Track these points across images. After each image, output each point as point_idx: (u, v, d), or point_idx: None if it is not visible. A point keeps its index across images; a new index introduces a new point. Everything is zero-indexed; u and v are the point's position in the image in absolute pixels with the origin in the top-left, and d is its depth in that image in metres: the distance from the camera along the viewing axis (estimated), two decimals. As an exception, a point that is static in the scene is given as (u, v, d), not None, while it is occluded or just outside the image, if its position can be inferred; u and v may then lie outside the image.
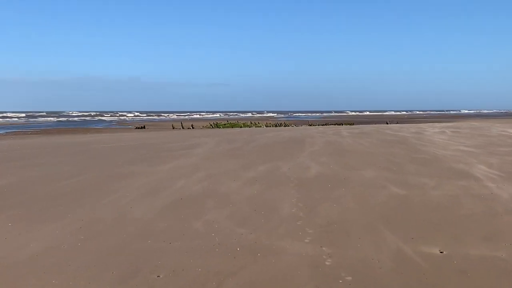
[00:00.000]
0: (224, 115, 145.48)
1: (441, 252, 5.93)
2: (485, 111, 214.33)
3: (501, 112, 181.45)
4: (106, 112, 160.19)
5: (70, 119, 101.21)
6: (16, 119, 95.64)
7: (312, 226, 7.22)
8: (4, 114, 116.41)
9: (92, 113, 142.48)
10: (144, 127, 52.61)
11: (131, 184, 11.09)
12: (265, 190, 10.14)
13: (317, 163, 14.24)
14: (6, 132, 44.40)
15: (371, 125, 46.42)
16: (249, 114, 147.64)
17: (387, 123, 55.66)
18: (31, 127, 58.01)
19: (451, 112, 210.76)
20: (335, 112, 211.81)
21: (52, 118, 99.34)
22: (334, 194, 9.60)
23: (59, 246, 6.34)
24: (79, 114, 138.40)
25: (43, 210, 8.49)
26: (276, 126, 53.96)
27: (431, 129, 32.04)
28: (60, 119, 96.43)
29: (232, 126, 54.37)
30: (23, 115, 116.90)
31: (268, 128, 47.01)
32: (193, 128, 50.81)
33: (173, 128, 51.38)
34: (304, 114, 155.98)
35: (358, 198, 9.22)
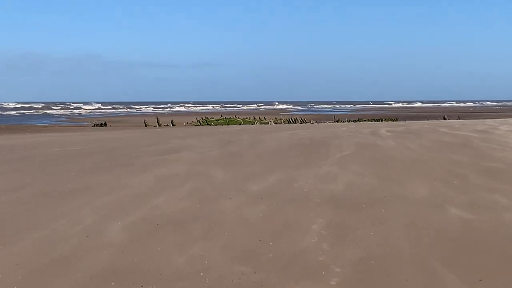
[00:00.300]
0: (221, 107, 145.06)
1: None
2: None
3: None
4: (55, 104, 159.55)
5: (5, 113, 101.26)
6: None
7: (340, 263, 7.18)
8: None
9: (36, 105, 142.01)
10: (105, 124, 52.78)
11: (86, 204, 11.06)
12: (274, 211, 10.12)
13: (347, 173, 14.21)
14: None
15: (422, 122, 46.39)
16: (254, 106, 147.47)
17: (444, 119, 55.69)
18: None
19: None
20: (373, 103, 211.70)
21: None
22: (371, 218, 9.58)
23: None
24: (17, 106, 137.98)
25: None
26: (289, 122, 54.04)
27: (504, 127, 31.95)
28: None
29: (228, 122, 54.44)
30: None
31: (278, 125, 47.06)
32: (173, 125, 50.88)
33: (146, 125, 51.41)
34: (329, 106, 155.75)
35: (405, 224, 9.19)
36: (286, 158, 17.84)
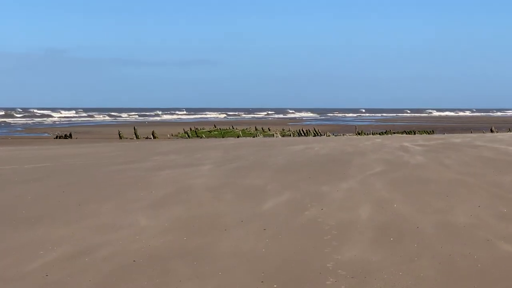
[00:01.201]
0: (219, 115, 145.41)
1: None
2: None
3: None
4: (16, 110, 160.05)
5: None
6: None
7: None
8: None
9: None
10: (70, 136, 52.76)
11: (45, 236, 11.07)
12: (280, 246, 10.11)
13: (370, 199, 14.20)
14: None
15: (464, 134, 46.43)
16: (263, 114, 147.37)
17: (491, 131, 55.73)
18: None
19: None
20: (410, 111, 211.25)
21: None
22: (402, 256, 9.57)
23: None
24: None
25: None
26: (299, 135, 54.07)
27: None
28: None
29: (223, 134, 54.50)
30: None
31: (284, 139, 46.96)
32: (154, 137, 50.90)
33: (121, 137, 51.41)
34: (354, 115, 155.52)
35: (443, 264, 9.18)
36: (294, 180, 17.84)
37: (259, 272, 8.68)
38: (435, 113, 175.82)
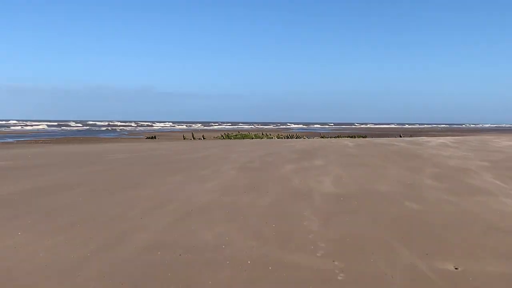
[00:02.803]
0: (241, 125, 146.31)
1: (456, 269, 5.88)
2: (505, 125, 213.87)
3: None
4: (117, 121, 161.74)
5: (81, 127, 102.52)
6: (46, 127, 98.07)
7: (325, 240, 7.15)
8: (48, 123, 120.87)
9: (101, 122, 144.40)
10: (154, 137, 52.77)
11: (138, 197, 11.10)
12: (277, 200, 10.13)
13: (329, 173, 14.21)
14: (64, 136, 44.66)
15: (383, 138, 46.24)
16: (271, 126, 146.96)
17: (400, 136, 55.61)
18: (58, 134, 58.41)
19: (472, 125, 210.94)
20: (359, 124, 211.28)
21: (61, 128, 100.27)
22: (347, 208, 9.53)
23: (68, 256, 6.35)
24: (88, 124, 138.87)
25: (50, 221, 8.52)
26: (287, 137, 53.99)
27: (433, 143, 31.88)
28: (64, 128, 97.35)
29: (243, 137, 54.44)
30: (56, 123, 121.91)
31: (279, 139, 46.95)
32: (204, 138, 50.90)
33: (184, 138, 51.50)
34: (327, 126, 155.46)
35: (372, 215, 9.14)
36: (287, 160, 17.83)
37: (266, 216, 8.70)
38: (373, 126, 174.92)
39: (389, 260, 6.21)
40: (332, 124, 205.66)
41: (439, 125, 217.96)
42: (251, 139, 48.39)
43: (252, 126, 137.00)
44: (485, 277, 5.60)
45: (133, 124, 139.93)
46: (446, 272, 5.77)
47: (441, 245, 6.88)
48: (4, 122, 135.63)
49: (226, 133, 63.92)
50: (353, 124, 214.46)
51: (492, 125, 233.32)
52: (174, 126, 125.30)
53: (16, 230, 7.73)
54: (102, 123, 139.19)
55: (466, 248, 6.76)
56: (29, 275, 5.66)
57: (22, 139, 46.69)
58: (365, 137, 53.84)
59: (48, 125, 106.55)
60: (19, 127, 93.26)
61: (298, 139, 47.00)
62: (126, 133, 74.18)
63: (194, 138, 51.53)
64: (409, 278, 5.57)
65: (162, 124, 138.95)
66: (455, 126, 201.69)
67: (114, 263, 6.06)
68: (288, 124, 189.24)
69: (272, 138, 52.39)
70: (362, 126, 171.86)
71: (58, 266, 5.94)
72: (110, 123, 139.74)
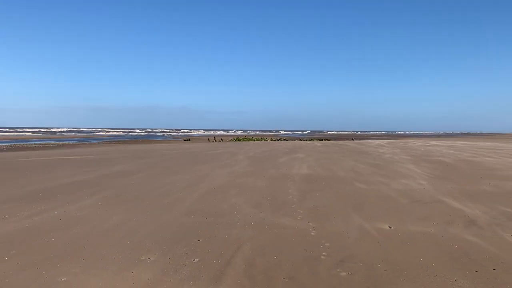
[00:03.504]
0: (244, 131, 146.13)
1: (390, 228, 5.88)
2: (424, 132, 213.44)
3: (432, 133, 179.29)
4: (165, 129, 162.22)
5: (142, 133, 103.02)
6: (121, 133, 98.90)
7: (302, 209, 7.17)
8: (122, 130, 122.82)
9: (156, 130, 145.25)
10: (189, 140, 52.73)
11: (178, 180, 11.10)
12: (271, 183, 10.12)
13: (305, 164, 14.20)
14: (129, 139, 44.66)
15: (341, 141, 46.17)
16: (268, 132, 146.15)
17: (352, 139, 55.46)
18: (126, 138, 58.42)
19: (400, 132, 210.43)
20: (328, 131, 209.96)
21: (129, 133, 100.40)
22: (316, 189, 9.54)
23: (132, 219, 6.37)
24: (147, 131, 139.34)
25: (120, 196, 8.54)
26: (277, 140, 53.87)
27: (373, 143, 31.84)
28: (130, 133, 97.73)
29: (248, 139, 54.35)
30: (127, 130, 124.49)
31: (271, 141, 46.88)
32: (221, 140, 50.84)
33: (209, 140, 51.49)
34: (305, 132, 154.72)
35: (335, 193, 9.15)
36: (275, 158, 17.80)
37: (264, 192, 8.69)
38: (343, 133, 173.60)
39: (345, 222, 6.21)
40: (309, 131, 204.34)
41: (379, 132, 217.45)
42: (254, 141, 48.35)
43: (254, 132, 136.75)
44: (409, 233, 5.60)
45: (176, 131, 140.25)
46: (384, 230, 5.76)
47: (380, 212, 6.88)
48: (90, 129, 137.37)
49: (237, 137, 63.78)
50: (323, 131, 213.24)
51: (415, 132, 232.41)
52: (203, 132, 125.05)
53: (97, 201, 7.75)
54: (156, 130, 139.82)
55: (396, 214, 6.76)
56: (106, 232, 5.68)
57: (102, 140, 46.71)
58: (330, 139, 53.74)
59: (122, 132, 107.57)
60: (101, 133, 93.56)
61: (284, 141, 46.92)
62: (170, 137, 74.04)
63: (215, 140, 51.47)
64: (359, 234, 5.57)
65: (197, 131, 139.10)
66: (389, 132, 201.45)
67: (162, 224, 6.08)
68: (278, 131, 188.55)
69: (268, 140, 52.31)
70: (329, 132, 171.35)
71: (124, 227, 5.95)
72: (162, 130, 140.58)
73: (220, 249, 4.89)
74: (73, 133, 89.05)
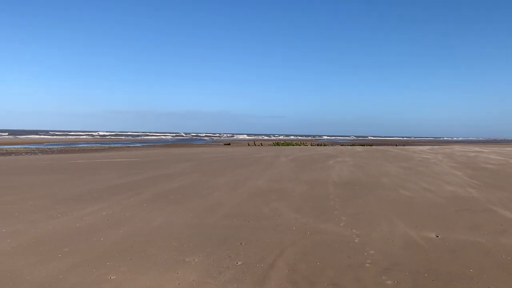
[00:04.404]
0: (288, 136, 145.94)
1: (437, 236, 5.66)
2: (472, 138, 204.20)
3: (480, 140, 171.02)
4: (207, 133, 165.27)
5: (186, 137, 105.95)
6: (170, 137, 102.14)
7: (345, 213, 7.05)
8: (169, 134, 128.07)
9: (200, 134, 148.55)
10: (229, 144, 53.27)
11: (219, 183, 11.22)
12: (313, 188, 10.02)
13: (349, 171, 13.95)
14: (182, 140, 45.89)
15: (384, 146, 45.13)
16: (310, 137, 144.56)
17: (396, 145, 54.03)
18: (169, 141, 59.94)
19: (445, 138, 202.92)
20: (372, 137, 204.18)
21: (176, 137, 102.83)
22: (361, 191, 9.37)
23: (176, 221, 6.50)
24: (191, 135, 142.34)
25: (165, 197, 8.73)
26: (317, 145, 53.42)
27: (417, 149, 30.81)
28: (178, 137, 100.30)
29: (288, 144, 54.21)
30: (173, 134, 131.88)
31: (312, 146, 46.53)
32: (261, 145, 50.99)
33: (249, 144, 51.80)
34: (348, 138, 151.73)
35: (378, 196, 8.95)
36: (315, 163, 17.61)
37: (304, 197, 8.61)
38: (387, 138, 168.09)
39: (390, 230, 6.05)
40: (354, 136, 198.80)
41: (424, 138, 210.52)
42: (293, 146, 48.18)
43: (295, 137, 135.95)
44: (458, 243, 5.37)
45: (218, 135, 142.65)
46: (430, 238, 5.56)
47: (425, 220, 6.64)
48: (138, 133, 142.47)
49: (276, 142, 63.79)
50: (367, 136, 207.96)
51: (463, 138, 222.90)
52: (244, 137, 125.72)
53: (142, 203, 7.97)
54: (201, 134, 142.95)
55: (443, 222, 6.51)
56: (151, 232, 5.82)
57: (146, 144, 48.10)
58: (372, 145, 52.65)
59: (169, 136, 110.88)
60: (148, 137, 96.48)
61: (324, 146, 46.44)
62: (211, 141, 75.12)
63: (255, 145, 51.69)
64: (404, 242, 5.40)
65: (240, 136, 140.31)
66: (436, 138, 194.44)
67: (205, 226, 6.16)
68: (321, 136, 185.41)
69: (307, 145, 51.98)
70: (373, 138, 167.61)
71: (169, 228, 6.09)
72: (206, 134, 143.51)
73: (262, 253, 4.89)
74: (123, 137, 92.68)
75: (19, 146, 37.42)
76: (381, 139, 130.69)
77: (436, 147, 39.94)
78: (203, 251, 4.93)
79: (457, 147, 37.71)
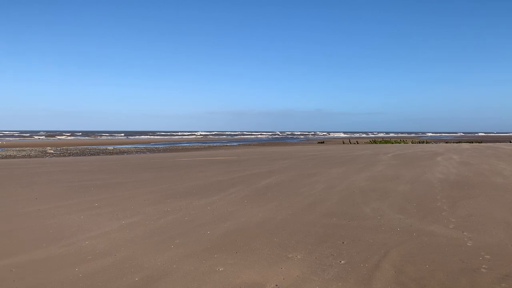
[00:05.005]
0: (388, 133, 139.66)
1: None
2: None
3: None
4: (302, 132, 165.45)
5: (281, 135, 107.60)
6: (265, 136, 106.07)
7: (455, 218, 6.57)
8: (266, 133, 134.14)
9: (296, 132, 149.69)
10: (323, 142, 52.72)
11: (319, 180, 11.15)
12: (414, 188, 9.50)
13: (456, 170, 12.96)
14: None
15: (495, 143, 41.00)
16: (413, 134, 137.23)
17: (510, 142, 48.79)
18: (264, 140, 61.54)
19: None
20: (483, 133, 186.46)
21: (272, 136, 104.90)
22: (472, 194, 8.64)
23: (275, 217, 6.62)
24: (286, 133, 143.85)
25: (262, 195, 8.93)
26: (418, 142, 50.41)
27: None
28: (273, 136, 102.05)
29: (386, 142, 51.98)
30: (270, 133, 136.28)
31: (412, 144, 43.97)
32: (357, 143, 49.56)
33: (343, 143, 50.68)
34: (456, 135, 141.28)
35: (503, 203, 8.18)
36: (417, 161, 16.63)
37: (407, 197, 8.20)
38: (493, 134, 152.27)
39: (507, 234, 5.48)
40: (462, 133, 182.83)
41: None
42: (392, 143, 46.07)
43: (396, 134, 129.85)
44: None
45: (312, 133, 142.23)
46: (559, 246, 4.93)
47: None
48: (232, 132, 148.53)
49: (373, 139, 61.62)
50: (477, 133, 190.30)
51: None
52: (340, 135, 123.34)
53: (243, 199, 8.25)
54: (296, 133, 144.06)
55: None
56: (254, 227, 6.00)
57: (241, 143, 49.83)
58: (481, 142, 48.17)
59: (266, 135, 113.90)
60: (244, 136, 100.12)
61: (427, 144, 43.64)
62: (305, 139, 74.98)
63: (350, 143, 50.43)
64: (527, 248, 4.86)
65: (335, 134, 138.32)
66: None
67: (305, 224, 6.18)
68: (425, 133, 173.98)
69: (407, 143, 49.31)
70: (482, 134, 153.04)
71: (270, 224, 6.22)
72: (302, 132, 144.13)
73: (365, 253, 4.76)
74: (223, 136, 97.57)
75: (130, 146, 41.37)
76: (491, 136, 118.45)
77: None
78: (304, 248, 4.95)
79: None
